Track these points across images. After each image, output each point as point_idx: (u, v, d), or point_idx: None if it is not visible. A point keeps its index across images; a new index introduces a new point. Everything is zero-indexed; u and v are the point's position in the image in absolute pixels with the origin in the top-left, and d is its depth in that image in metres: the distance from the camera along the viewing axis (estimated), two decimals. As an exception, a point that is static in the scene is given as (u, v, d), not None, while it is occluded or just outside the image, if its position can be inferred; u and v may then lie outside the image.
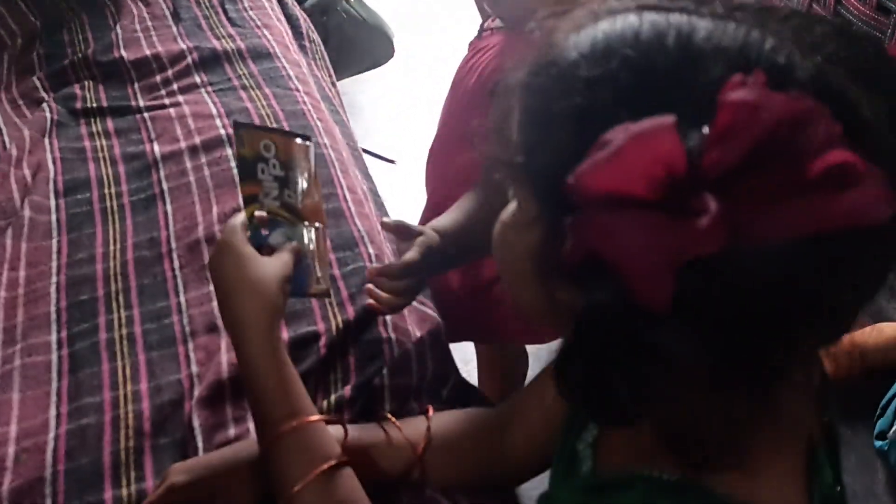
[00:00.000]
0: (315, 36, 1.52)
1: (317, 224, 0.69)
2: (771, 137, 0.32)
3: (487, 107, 0.46)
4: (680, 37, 0.38)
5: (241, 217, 0.67)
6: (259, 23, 1.39)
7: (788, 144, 0.33)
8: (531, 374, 1.40)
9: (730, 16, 0.39)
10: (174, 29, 1.38)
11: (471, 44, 1.02)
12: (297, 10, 1.53)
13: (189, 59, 1.29)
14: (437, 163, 1.07)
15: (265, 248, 0.67)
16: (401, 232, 0.83)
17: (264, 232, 0.68)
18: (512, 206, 0.46)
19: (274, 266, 0.64)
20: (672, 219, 0.33)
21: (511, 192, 0.46)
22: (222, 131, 1.13)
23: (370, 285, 0.80)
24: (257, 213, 0.68)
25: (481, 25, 1.03)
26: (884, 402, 1.37)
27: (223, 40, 1.34)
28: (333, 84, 1.46)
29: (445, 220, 0.87)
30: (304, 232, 0.69)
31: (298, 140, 0.66)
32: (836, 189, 0.32)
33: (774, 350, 0.37)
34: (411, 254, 0.80)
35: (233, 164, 1.09)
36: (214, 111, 1.18)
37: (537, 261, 0.42)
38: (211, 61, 1.29)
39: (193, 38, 1.35)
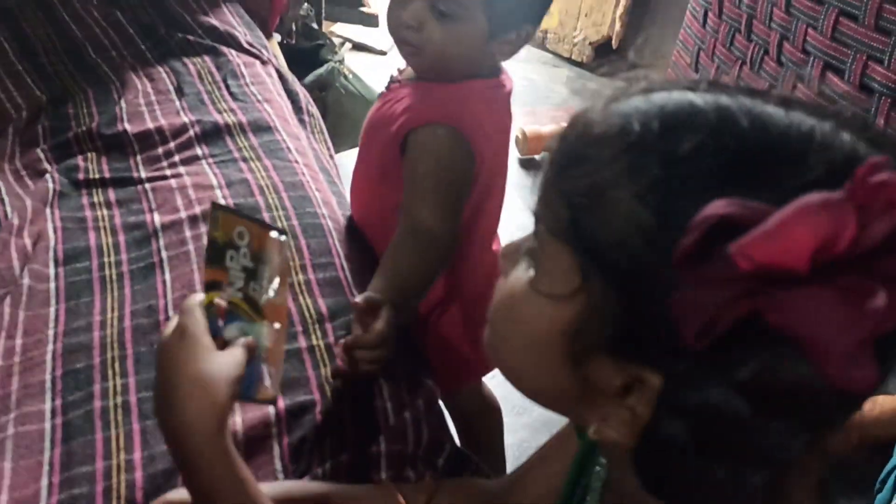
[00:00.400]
0: (314, 110, 1.56)
1: (276, 324, 0.63)
2: None
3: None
4: (764, 117, 0.38)
5: (199, 298, 0.62)
6: (260, 97, 1.43)
7: None
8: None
9: (792, 105, 0.39)
10: (177, 103, 1.42)
11: (381, 95, 1.08)
12: (297, 86, 1.57)
13: (191, 132, 1.33)
14: (355, 194, 1.15)
15: (217, 340, 0.61)
16: (370, 307, 0.86)
17: (220, 322, 0.63)
18: (524, 277, 0.44)
19: (228, 364, 0.59)
20: (853, 294, 0.33)
21: (530, 262, 0.44)
22: (222, 202, 1.15)
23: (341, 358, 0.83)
24: (217, 300, 0.63)
25: (392, 77, 1.08)
26: (883, 475, 1.35)
27: (225, 114, 1.38)
28: (331, 156, 1.49)
29: (385, 282, 0.91)
30: (263, 330, 0.63)
31: (274, 233, 0.62)
32: None
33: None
34: (381, 323, 0.83)
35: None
36: (215, 182, 1.20)
37: (574, 337, 0.40)
38: (212, 134, 1.32)
39: (196, 111, 1.38)
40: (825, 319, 0.32)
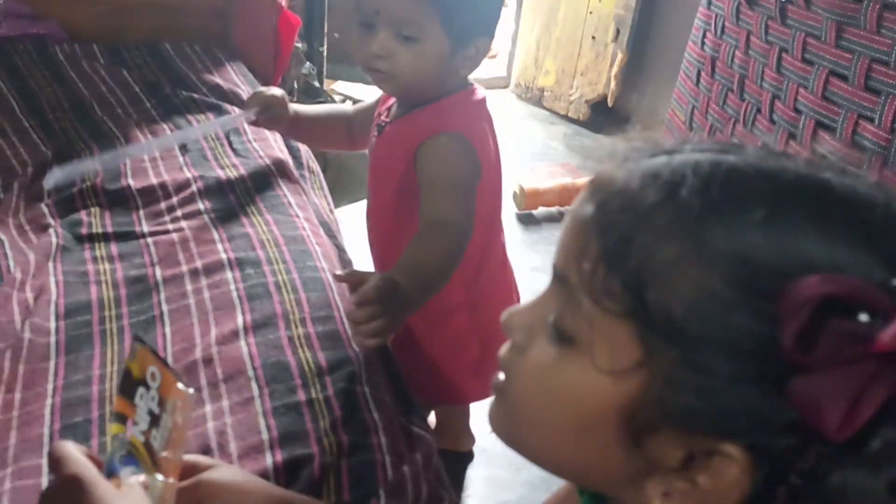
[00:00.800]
0: (315, 165, 1.59)
1: (170, 479, 0.59)
2: None
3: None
4: (823, 178, 0.38)
5: (69, 445, 0.57)
6: (262, 153, 1.45)
7: None
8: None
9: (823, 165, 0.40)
10: (181, 159, 1.44)
11: (375, 141, 1.19)
12: (298, 142, 1.60)
13: (194, 187, 1.35)
14: (377, 238, 1.27)
15: (113, 479, 0.58)
16: (355, 281, 0.93)
17: (116, 461, 0.60)
18: (553, 352, 0.42)
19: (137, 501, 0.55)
20: None
21: (556, 336, 0.42)
22: (223, 255, 1.17)
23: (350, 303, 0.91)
24: (122, 436, 0.60)
25: (380, 124, 1.20)
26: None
27: (227, 169, 1.40)
28: (332, 210, 1.51)
29: (403, 270, 0.97)
30: (157, 483, 0.59)
31: (181, 385, 0.58)
32: None
33: None
34: (371, 281, 0.89)
35: (233, 286, 1.11)
36: (216, 236, 1.21)
37: (634, 413, 0.38)
38: (215, 189, 1.34)
39: (199, 167, 1.41)
40: None
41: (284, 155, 1.48)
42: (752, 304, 0.35)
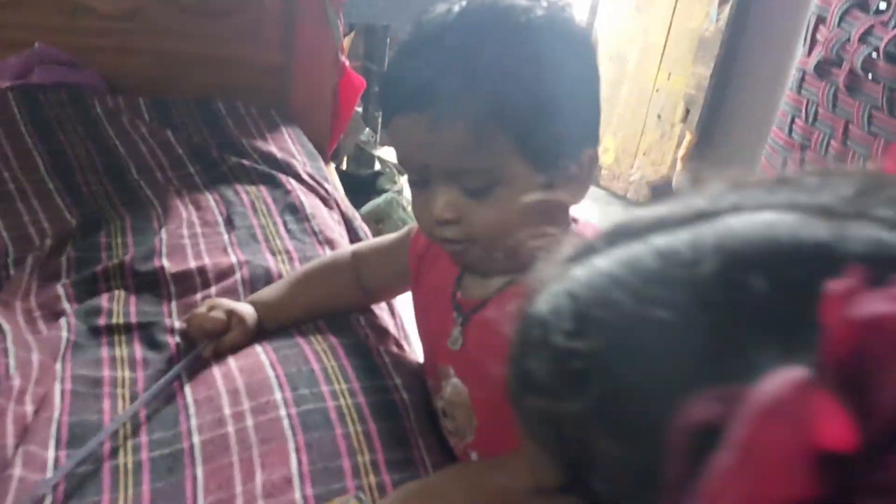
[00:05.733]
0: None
1: None
2: None
3: None
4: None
5: None
6: (321, 238, 1.23)
7: None
8: None
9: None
10: (225, 237, 1.22)
11: (461, 334, 0.87)
12: (361, 224, 1.38)
13: (237, 276, 1.12)
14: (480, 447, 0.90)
15: None
16: None
17: None
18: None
19: None
20: None
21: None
22: (269, 372, 0.93)
23: None
24: None
25: (457, 305, 0.88)
26: None
27: (279, 256, 1.18)
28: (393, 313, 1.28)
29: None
30: None
31: None
32: None
33: None
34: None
35: (283, 412, 0.88)
36: (258, 346, 0.98)
37: None
38: (262, 280, 1.12)
39: (246, 249, 1.19)
40: None
41: (345, 240, 1.26)
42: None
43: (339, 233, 1.27)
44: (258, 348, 0.98)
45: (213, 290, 1.11)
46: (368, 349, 0.99)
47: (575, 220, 0.83)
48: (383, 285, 1.05)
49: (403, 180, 1.88)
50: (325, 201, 1.36)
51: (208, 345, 0.97)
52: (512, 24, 0.73)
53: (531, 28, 0.73)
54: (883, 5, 1.70)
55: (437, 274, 0.91)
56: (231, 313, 0.99)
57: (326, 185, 1.41)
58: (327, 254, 1.18)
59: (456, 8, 0.75)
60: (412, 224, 0.99)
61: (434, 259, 0.92)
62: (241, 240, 1.22)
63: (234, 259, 1.16)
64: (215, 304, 1.00)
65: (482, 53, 0.72)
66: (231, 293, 1.10)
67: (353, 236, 1.31)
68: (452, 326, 0.87)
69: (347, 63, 1.68)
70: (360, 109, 1.98)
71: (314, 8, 1.61)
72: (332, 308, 1.06)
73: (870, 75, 1.71)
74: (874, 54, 1.62)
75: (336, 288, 1.05)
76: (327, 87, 1.69)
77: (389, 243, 1.02)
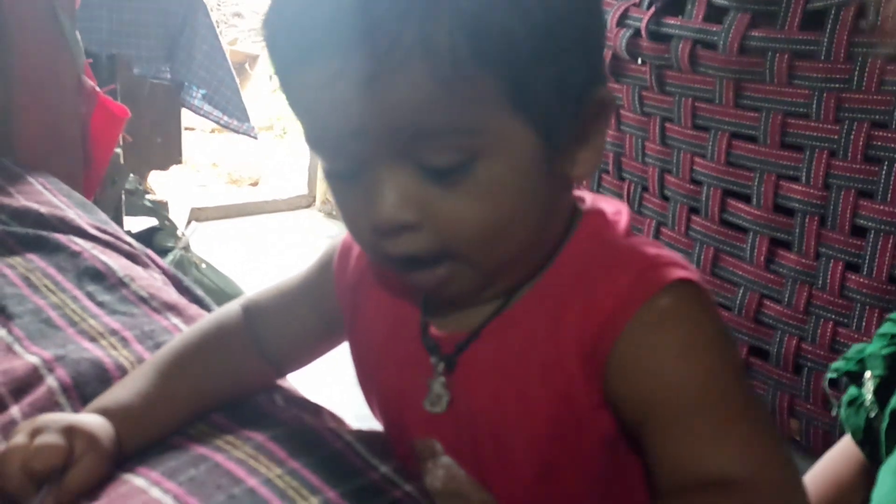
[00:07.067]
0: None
1: None
2: None
3: None
4: None
5: None
6: (157, 304, 0.86)
7: None
8: None
9: None
10: (2, 332, 0.80)
11: (440, 385, 0.58)
12: (188, 281, 1.01)
13: (49, 382, 0.72)
14: None
15: None
16: None
17: None
18: None
19: None
20: None
21: None
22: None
23: None
24: None
25: (430, 346, 0.58)
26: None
27: (103, 341, 0.79)
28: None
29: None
30: None
31: None
32: None
33: None
34: None
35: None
36: (142, 480, 0.61)
37: None
38: (94, 382, 0.73)
39: (46, 342, 0.78)
40: None
41: (192, 307, 0.89)
42: None
43: (177, 296, 0.90)
44: (138, 481, 0.60)
45: (14, 410, 0.69)
46: (318, 436, 0.66)
47: (581, 200, 0.57)
48: (299, 346, 0.70)
49: (190, 232, 1.48)
50: (135, 259, 0.97)
51: (46, 495, 0.58)
52: None
53: None
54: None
55: (387, 305, 0.61)
56: (71, 432, 0.60)
57: (127, 239, 1.02)
58: (187, 323, 0.81)
59: None
60: (333, 241, 0.69)
61: (378, 284, 0.62)
62: (29, 332, 0.80)
63: (31, 359, 0.75)
64: (41, 424, 0.60)
65: None
66: (48, 409, 0.69)
67: (191, 301, 0.94)
68: (429, 378, 0.58)
69: (99, 89, 1.28)
70: (118, 150, 1.55)
71: (39, 17, 1.20)
72: (225, 398, 0.70)
73: (639, 60, 1.72)
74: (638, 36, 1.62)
75: (229, 366, 0.70)
76: (71, 122, 1.27)
77: (300, 281, 0.70)
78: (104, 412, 0.64)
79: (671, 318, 0.49)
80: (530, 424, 0.53)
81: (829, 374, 0.62)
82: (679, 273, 0.50)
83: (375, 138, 0.47)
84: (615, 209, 0.57)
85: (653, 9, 1.47)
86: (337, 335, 0.68)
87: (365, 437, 0.67)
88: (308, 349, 0.71)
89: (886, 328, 0.57)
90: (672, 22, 1.39)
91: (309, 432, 0.66)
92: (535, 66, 0.47)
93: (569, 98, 0.50)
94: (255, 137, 2.15)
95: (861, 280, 1.13)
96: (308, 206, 3.24)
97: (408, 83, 0.45)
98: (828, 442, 1.02)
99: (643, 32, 1.46)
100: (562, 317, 0.51)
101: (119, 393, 0.66)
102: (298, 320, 0.69)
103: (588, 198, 0.57)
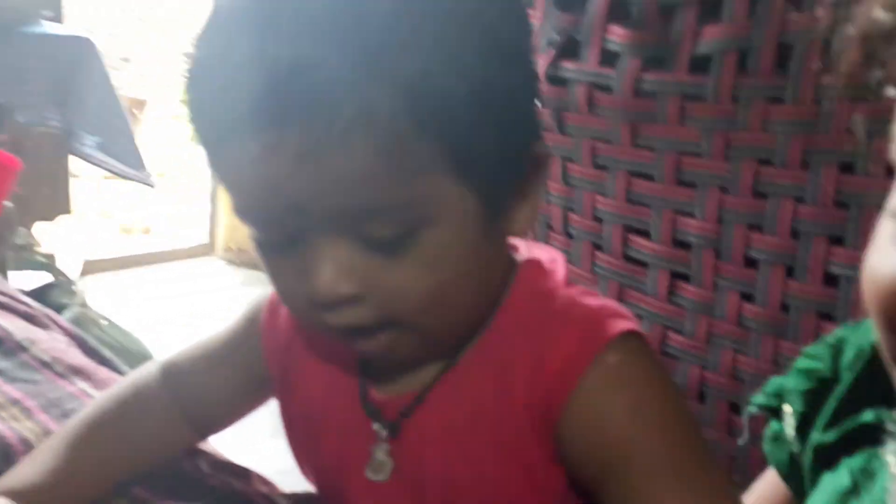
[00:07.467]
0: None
1: None
2: None
3: None
4: None
5: None
6: (62, 369, 0.81)
7: None
8: None
9: None
10: None
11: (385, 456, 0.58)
12: (94, 342, 0.96)
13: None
14: None
15: None
16: None
17: None
18: None
19: None
20: None
21: None
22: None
23: None
24: None
25: (374, 413, 0.57)
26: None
27: (2, 413, 0.74)
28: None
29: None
30: None
31: None
32: None
33: None
34: None
35: None
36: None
37: None
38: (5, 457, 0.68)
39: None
40: None
41: (101, 370, 0.84)
42: None
43: (83, 358, 0.85)
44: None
45: None
46: (249, 502, 0.63)
47: (514, 249, 0.57)
48: (224, 409, 0.67)
49: (84, 287, 1.40)
50: (34, 320, 0.92)
51: None
52: None
53: None
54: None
55: (323, 369, 0.60)
56: None
57: (24, 298, 0.96)
58: (97, 388, 0.76)
59: None
60: (258, 298, 0.67)
61: (311, 346, 0.61)
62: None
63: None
64: None
65: (376, 12, 0.44)
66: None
67: (100, 364, 0.89)
68: (371, 444, 0.56)
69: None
70: (9, 204, 1.46)
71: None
72: (145, 467, 0.67)
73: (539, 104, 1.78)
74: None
75: (149, 432, 0.66)
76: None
77: (223, 340, 0.66)
78: (10, 494, 0.59)
79: (620, 377, 0.50)
80: (480, 486, 0.52)
81: (750, 409, 0.64)
82: (622, 325, 0.51)
83: (314, 215, 0.45)
84: (550, 257, 0.57)
85: (551, 53, 1.53)
86: (265, 394, 0.66)
87: (300, 501, 0.65)
88: (234, 411, 0.68)
89: (804, 363, 0.60)
90: (569, 66, 1.45)
91: (240, 499, 0.63)
92: (476, 130, 0.46)
93: (509, 158, 0.49)
94: (153, 185, 2.08)
95: (756, 309, 1.19)
96: (206, 254, 3.15)
97: (349, 158, 0.43)
98: (731, 469, 1.07)
99: (542, 77, 1.51)
100: (508, 375, 0.51)
101: (26, 471, 0.62)
102: (223, 383, 0.66)
103: (522, 246, 0.57)
